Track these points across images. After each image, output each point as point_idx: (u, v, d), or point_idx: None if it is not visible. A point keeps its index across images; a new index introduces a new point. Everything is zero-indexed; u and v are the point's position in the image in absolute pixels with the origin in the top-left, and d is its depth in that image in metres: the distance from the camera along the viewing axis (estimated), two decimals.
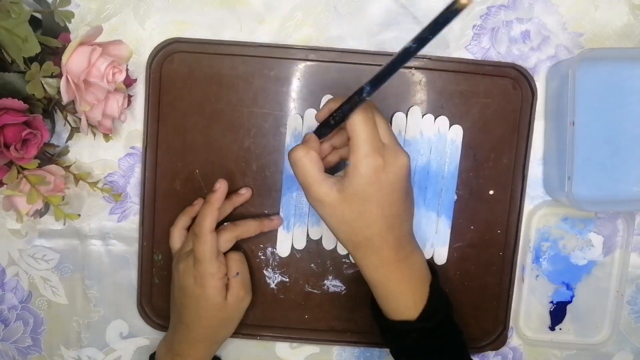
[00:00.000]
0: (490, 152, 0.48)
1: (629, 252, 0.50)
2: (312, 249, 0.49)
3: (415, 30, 0.47)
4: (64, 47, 0.38)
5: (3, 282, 0.51)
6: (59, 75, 0.38)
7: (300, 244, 0.49)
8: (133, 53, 0.41)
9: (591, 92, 0.46)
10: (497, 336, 0.50)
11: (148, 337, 0.51)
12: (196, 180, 0.48)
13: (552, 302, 0.51)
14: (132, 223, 0.49)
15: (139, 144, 0.48)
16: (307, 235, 0.49)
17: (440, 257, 0.49)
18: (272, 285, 0.50)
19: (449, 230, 0.49)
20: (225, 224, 0.47)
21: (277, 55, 0.47)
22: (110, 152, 0.49)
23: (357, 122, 0.35)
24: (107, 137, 0.45)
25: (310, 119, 0.48)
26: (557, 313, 0.51)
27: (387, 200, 0.36)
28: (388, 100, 0.48)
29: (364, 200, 0.36)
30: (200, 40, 0.47)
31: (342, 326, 0.50)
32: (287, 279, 0.50)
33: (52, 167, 0.43)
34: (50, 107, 0.43)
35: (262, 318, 0.50)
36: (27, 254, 0.50)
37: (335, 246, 0.49)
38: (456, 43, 0.48)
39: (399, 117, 0.48)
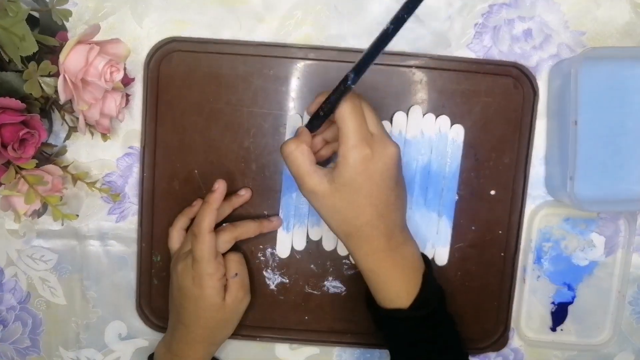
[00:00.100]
0: (492, 152, 0.48)
1: (630, 253, 0.50)
2: (312, 249, 0.49)
3: (415, 29, 0.47)
4: (62, 46, 0.37)
5: (1, 282, 0.50)
6: (57, 74, 0.37)
7: (300, 245, 0.49)
8: (131, 52, 0.41)
9: (593, 91, 0.46)
10: (498, 337, 0.50)
11: (147, 338, 0.51)
12: (195, 180, 0.48)
13: (553, 302, 0.51)
14: (130, 223, 0.49)
15: (137, 144, 0.48)
16: (307, 236, 0.49)
17: (442, 258, 0.49)
18: (272, 286, 0.50)
19: (450, 231, 0.48)
20: (224, 224, 0.46)
21: (277, 55, 0.47)
22: (109, 152, 0.48)
23: (345, 113, 0.36)
24: (105, 136, 0.45)
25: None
26: (559, 314, 0.51)
27: (376, 190, 0.37)
28: (388, 99, 0.47)
29: (353, 190, 0.37)
30: (199, 40, 0.47)
31: (342, 327, 0.50)
32: (287, 280, 0.50)
33: (50, 167, 0.43)
34: (47, 106, 0.43)
35: (261, 319, 0.50)
36: (26, 255, 0.50)
37: (336, 247, 0.49)
38: (457, 42, 0.47)
39: (399, 116, 0.47)
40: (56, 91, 0.38)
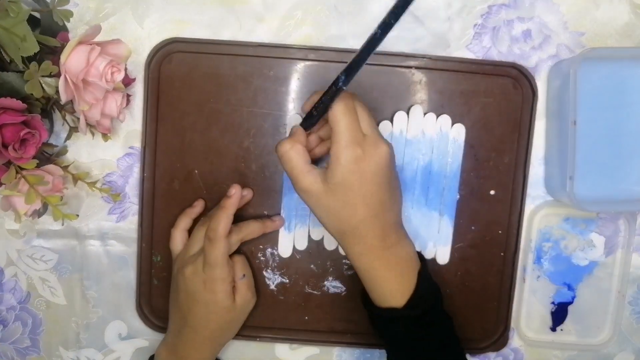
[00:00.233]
0: (491, 152, 0.48)
1: (630, 253, 0.50)
2: (312, 249, 0.49)
3: (415, 29, 0.47)
4: (63, 47, 0.37)
5: (1, 282, 0.50)
6: (58, 75, 0.37)
7: (302, 245, 0.49)
8: (132, 52, 0.41)
9: (592, 92, 0.46)
10: (498, 337, 0.50)
11: (147, 338, 0.51)
12: (195, 180, 0.48)
13: (553, 302, 0.51)
14: (130, 223, 0.49)
15: (137, 144, 0.48)
16: (309, 235, 0.49)
17: (443, 257, 0.49)
18: (272, 287, 0.50)
19: (452, 230, 0.49)
20: None
21: (277, 55, 0.47)
22: (109, 152, 0.48)
23: (338, 113, 0.36)
24: (105, 136, 0.45)
25: None
26: (559, 314, 0.51)
27: (369, 189, 0.37)
28: (388, 100, 0.47)
29: (347, 190, 0.37)
30: (199, 40, 0.47)
31: (342, 327, 0.50)
32: (287, 280, 0.50)
33: (51, 167, 0.43)
34: (48, 106, 0.43)
35: (261, 319, 0.50)
36: (26, 255, 0.50)
37: (337, 247, 0.49)
38: (457, 42, 0.48)
39: (400, 116, 0.47)
40: (57, 91, 0.38)
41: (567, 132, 0.43)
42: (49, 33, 0.39)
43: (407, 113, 0.48)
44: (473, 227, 0.49)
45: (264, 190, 0.48)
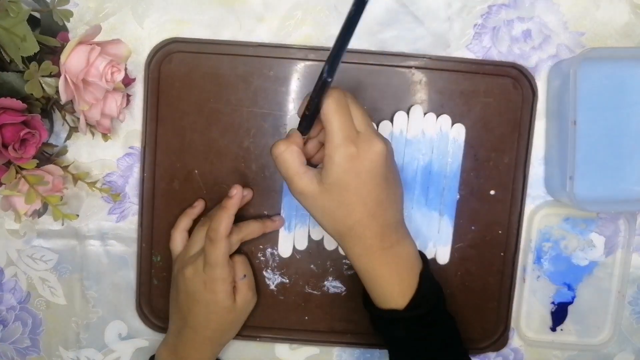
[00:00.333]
0: (491, 152, 0.48)
1: (630, 253, 0.50)
2: (312, 249, 0.49)
3: (415, 29, 0.47)
4: (63, 47, 0.37)
5: (1, 282, 0.50)
6: (58, 75, 0.37)
7: (302, 245, 0.49)
8: (132, 52, 0.41)
9: (592, 92, 0.46)
10: (498, 337, 0.50)
11: (147, 338, 0.51)
12: (195, 180, 0.48)
13: (553, 302, 0.51)
14: (130, 223, 0.49)
15: (137, 144, 0.48)
16: (309, 235, 0.49)
17: (443, 257, 0.49)
18: (272, 287, 0.50)
19: (452, 230, 0.49)
20: None
21: (277, 55, 0.47)
22: (109, 152, 0.48)
23: (330, 112, 0.35)
24: (105, 136, 0.45)
25: None
26: (559, 314, 0.51)
27: (365, 188, 0.37)
28: (388, 99, 0.47)
29: (342, 190, 0.36)
30: (199, 40, 0.47)
31: (342, 327, 0.50)
32: (287, 280, 0.50)
33: (51, 167, 0.43)
34: (48, 106, 0.43)
35: (261, 319, 0.50)
36: (26, 254, 0.50)
37: (337, 247, 0.49)
38: (457, 42, 0.48)
39: (400, 116, 0.47)
40: (57, 91, 0.38)
41: (567, 132, 0.43)
42: (49, 33, 0.39)
43: (407, 113, 0.48)
44: (473, 227, 0.49)
45: (264, 190, 0.48)
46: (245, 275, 0.45)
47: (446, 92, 0.47)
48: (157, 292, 0.49)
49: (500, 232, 0.49)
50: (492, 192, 0.48)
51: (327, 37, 0.47)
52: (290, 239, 0.49)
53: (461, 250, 0.49)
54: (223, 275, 0.43)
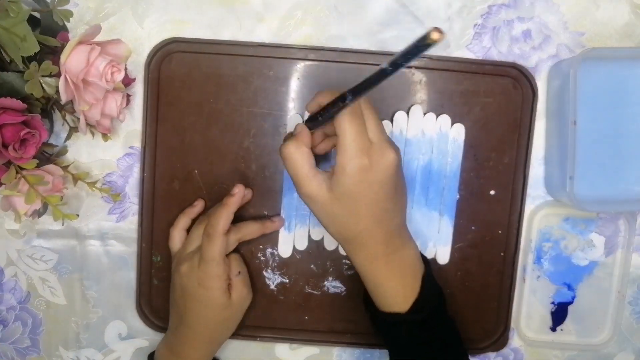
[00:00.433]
0: (491, 152, 0.48)
1: (630, 253, 0.50)
2: (312, 249, 0.49)
3: (415, 29, 0.47)
4: (63, 46, 0.37)
5: (1, 282, 0.50)
6: (58, 75, 0.37)
7: (302, 245, 0.49)
8: (132, 52, 0.41)
9: (592, 92, 0.46)
10: (498, 337, 0.50)
11: (147, 338, 0.51)
12: (195, 180, 0.48)
13: (553, 302, 0.51)
14: (130, 223, 0.49)
15: (137, 144, 0.48)
16: (309, 235, 0.49)
17: (443, 257, 0.49)
18: (272, 286, 0.50)
19: (452, 230, 0.49)
20: None
21: (277, 55, 0.47)
22: (109, 152, 0.48)
23: (344, 122, 0.35)
24: (105, 136, 0.45)
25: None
26: (559, 314, 0.51)
27: (375, 199, 0.37)
28: (388, 100, 0.47)
29: (353, 199, 0.36)
30: (199, 40, 0.47)
31: (342, 327, 0.50)
32: (287, 280, 0.50)
33: (51, 167, 0.43)
34: (48, 106, 0.43)
35: (261, 319, 0.50)
36: (26, 255, 0.50)
37: (337, 247, 0.49)
38: (457, 42, 0.48)
39: (400, 116, 0.47)
40: (57, 91, 0.38)
41: (567, 132, 0.43)
42: (49, 33, 0.39)
43: (407, 113, 0.48)
44: (473, 227, 0.49)
45: (264, 190, 0.48)
46: (240, 272, 0.45)
47: (446, 92, 0.47)
48: (157, 292, 0.49)
49: (500, 232, 0.49)
50: (492, 192, 0.49)
51: (327, 37, 0.47)
52: (290, 239, 0.49)
53: (461, 250, 0.49)
54: (218, 271, 0.43)
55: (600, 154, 0.47)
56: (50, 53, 0.39)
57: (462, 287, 0.49)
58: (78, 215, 0.49)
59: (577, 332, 0.51)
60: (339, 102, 0.34)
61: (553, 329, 0.51)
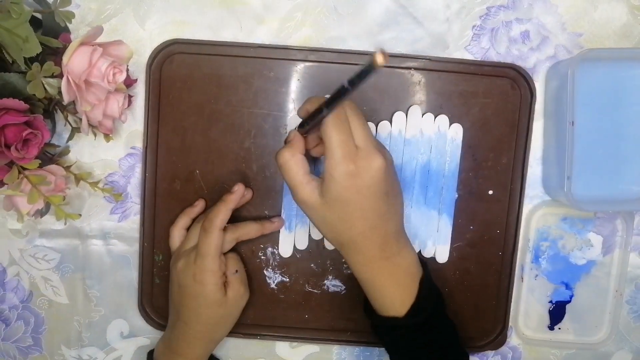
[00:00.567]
0: (490, 152, 0.48)
1: (628, 252, 0.50)
2: (312, 249, 0.49)
3: (414, 30, 0.48)
4: (65, 48, 0.38)
5: (4, 281, 0.51)
6: (60, 76, 0.38)
7: (303, 245, 0.49)
8: (133, 53, 0.41)
9: (590, 92, 0.46)
10: (497, 336, 0.50)
11: (149, 336, 0.51)
12: (196, 180, 0.49)
13: (551, 301, 0.51)
14: (132, 223, 0.50)
15: (139, 144, 0.49)
16: (309, 235, 0.49)
17: (442, 256, 0.49)
18: (272, 285, 0.50)
19: (451, 229, 0.49)
20: (226, 225, 0.47)
21: (277, 56, 0.47)
22: (111, 152, 0.49)
23: (328, 129, 0.35)
24: (107, 137, 0.45)
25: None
26: (556, 312, 0.51)
27: (366, 203, 0.37)
28: (387, 100, 0.48)
29: (343, 205, 0.37)
30: (200, 41, 0.47)
31: (341, 326, 0.50)
32: (287, 279, 0.50)
33: (53, 167, 0.43)
34: (51, 107, 0.43)
35: (262, 317, 0.50)
36: (28, 254, 0.50)
37: None
38: (455, 44, 0.48)
39: (399, 116, 0.48)
40: (59, 92, 0.38)
41: (565, 132, 0.43)
42: (51, 34, 0.39)
43: (406, 113, 0.48)
44: (472, 227, 0.49)
45: (264, 190, 0.49)
46: (237, 271, 0.46)
47: (445, 93, 0.48)
48: (159, 291, 0.50)
49: (498, 231, 0.49)
50: (490, 192, 0.49)
51: (327, 39, 0.48)
52: (291, 239, 0.49)
53: (460, 250, 0.49)
54: (213, 266, 0.43)
55: (597, 154, 0.47)
56: (52, 54, 0.39)
57: (460, 286, 0.50)
58: (80, 215, 0.49)
59: (575, 330, 0.52)
60: (320, 111, 0.35)
61: (551, 328, 0.52)
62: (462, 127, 0.48)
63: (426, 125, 0.48)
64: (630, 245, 0.50)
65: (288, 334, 0.51)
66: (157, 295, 0.50)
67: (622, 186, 0.47)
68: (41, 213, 0.44)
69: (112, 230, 0.50)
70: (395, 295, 0.40)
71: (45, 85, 0.38)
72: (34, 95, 0.38)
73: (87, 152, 0.49)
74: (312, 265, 0.50)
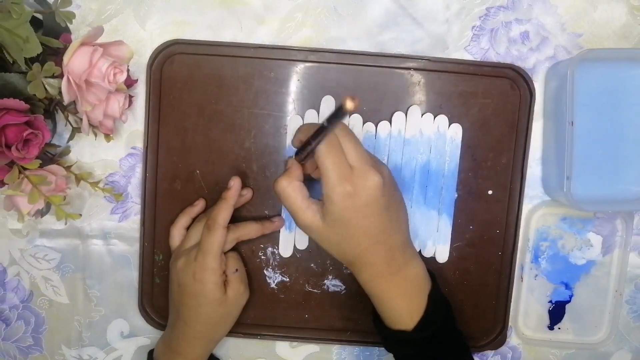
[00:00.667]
0: (489, 152, 0.49)
1: (627, 252, 0.50)
2: (312, 249, 0.50)
3: (413, 31, 0.48)
4: (65, 48, 0.38)
5: (4, 281, 0.51)
6: (60, 76, 0.38)
7: (303, 244, 0.49)
8: (134, 54, 0.41)
9: (590, 93, 0.46)
10: (496, 335, 0.50)
11: (149, 336, 0.51)
12: (196, 180, 0.49)
13: (550, 301, 0.51)
14: (133, 223, 0.50)
15: (139, 144, 0.49)
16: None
17: (442, 256, 0.49)
18: (273, 285, 0.50)
19: (450, 228, 0.49)
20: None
21: (277, 57, 0.47)
22: (111, 152, 0.49)
23: (321, 156, 0.36)
24: (108, 137, 0.45)
25: (311, 120, 0.48)
26: (556, 312, 0.51)
27: (366, 221, 0.38)
28: (387, 100, 0.48)
29: (345, 225, 0.38)
30: (200, 42, 0.47)
31: (342, 325, 0.50)
32: (288, 279, 0.50)
33: (54, 167, 0.43)
34: (51, 107, 0.43)
35: (262, 317, 0.50)
36: (29, 254, 0.50)
37: None
38: (455, 44, 0.48)
39: (398, 116, 0.48)
40: (60, 92, 0.38)
41: (565, 132, 0.44)
42: (52, 34, 0.40)
43: (406, 114, 0.48)
44: (471, 227, 0.49)
45: (264, 190, 0.49)
46: (237, 270, 0.46)
47: (444, 94, 0.48)
48: (159, 290, 0.50)
49: (498, 231, 0.49)
50: (490, 192, 0.49)
51: (327, 39, 0.48)
52: (291, 239, 0.49)
53: (459, 249, 0.49)
54: (213, 265, 0.43)
55: (597, 154, 0.47)
56: (52, 54, 0.39)
57: (460, 286, 0.50)
58: (81, 214, 0.49)
59: (575, 330, 0.52)
60: (310, 143, 0.36)
61: (551, 328, 0.52)
62: (462, 127, 0.48)
63: (426, 126, 0.48)
64: (630, 245, 0.50)
65: (288, 334, 0.51)
66: (158, 295, 0.50)
67: (621, 186, 0.47)
68: (42, 213, 0.44)
69: (112, 230, 0.50)
70: (403, 308, 0.40)
71: (46, 86, 0.38)
72: (35, 95, 0.38)
73: (88, 152, 0.49)
74: (312, 265, 0.50)
